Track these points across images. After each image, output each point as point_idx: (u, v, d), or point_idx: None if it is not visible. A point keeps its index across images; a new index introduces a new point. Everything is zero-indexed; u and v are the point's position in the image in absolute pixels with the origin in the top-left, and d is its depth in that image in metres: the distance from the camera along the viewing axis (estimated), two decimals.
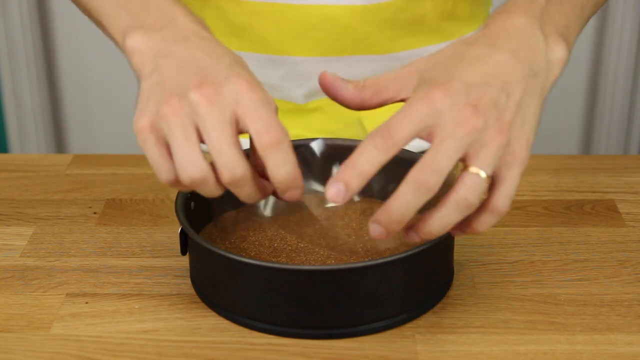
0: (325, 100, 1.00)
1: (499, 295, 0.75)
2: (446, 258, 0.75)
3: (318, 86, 0.98)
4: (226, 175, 0.62)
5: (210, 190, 0.64)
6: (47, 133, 2.06)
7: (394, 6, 0.94)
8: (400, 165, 0.82)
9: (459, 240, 0.80)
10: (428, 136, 0.63)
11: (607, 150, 2.06)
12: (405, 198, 0.62)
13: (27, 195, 0.91)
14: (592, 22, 1.96)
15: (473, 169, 0.62)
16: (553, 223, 0.85)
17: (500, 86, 0.64)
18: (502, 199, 0.64)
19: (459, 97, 0.63)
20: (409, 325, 0.71)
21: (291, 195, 0.65)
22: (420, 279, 0.72)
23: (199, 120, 0.62)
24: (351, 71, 0.98)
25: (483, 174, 0.62)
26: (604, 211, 0.87)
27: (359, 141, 0.84)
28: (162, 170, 0.64)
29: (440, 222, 0.64)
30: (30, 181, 0.94)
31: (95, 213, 0.88)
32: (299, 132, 1.01)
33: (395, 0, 0.94)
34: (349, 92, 0.68)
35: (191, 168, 0.62)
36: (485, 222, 0.65)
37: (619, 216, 0.87)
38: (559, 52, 0.69)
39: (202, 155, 0.63)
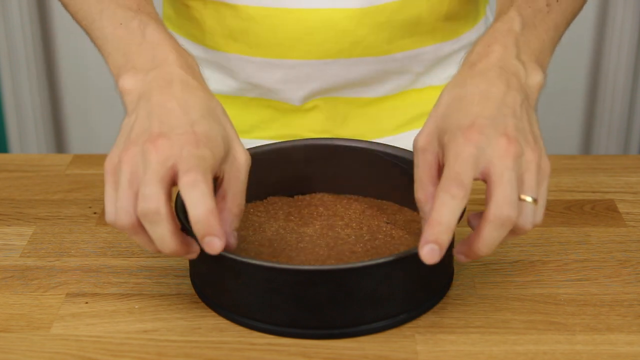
0: (322, 99, 1.00)
1: (499, 295, 0.75)
2: (446, 258, 0.75)
3: (315, 88, 0.99)
4: (140, 205, 0.66)
5: (141, 241, 0.68)
6: (47, 133, 2.06)
7: (389, 8, 0.94)
8: (393, 165, 0.83)
9: (458, 240, 0.80)
10: (482, 175, 0.67)
11: (607, 150, 2.05)
12: (492, 236, 0.66)
13: (27, 195, 0.91)
14: (592, 22, 1.96)
15: (522, 196, 0.67)
16: (553, 223, 0.85)
17: (512, 113, 0.69)
18: (540, 215, 0.69)
19: (490, 131, 0.67)
20: (409, 325, 0.72)
21: (210, 244, 0.66)
22: (420, 279, 0.72)
23: (144, 164, 0.66)
24: (349, 74, 0.98)
25: (529, 199, 0.67)
26: (603, 211, 0.87)
27: (358, 141, 0.84)
28: (106, 210, 0.69)
29: (495, 246, 0.68)
30: (30, 181, 0.94)
31: (95, 213, 0.88)
32: (295, 132, 1.02)
33: (391, 2, 0.94)
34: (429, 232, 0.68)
35: (123, 213, 0.67)
36: (521, 235, 0.70)
37: (619, 216, 0.87)
38: (536, 77, 0.74)
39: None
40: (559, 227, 0.85)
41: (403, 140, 1.02)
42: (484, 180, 0.67)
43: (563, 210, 0.88)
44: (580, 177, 0.94)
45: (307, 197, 0.85)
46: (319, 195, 0.85)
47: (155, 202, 0.65)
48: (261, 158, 0.81)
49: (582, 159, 0.98)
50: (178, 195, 0.75)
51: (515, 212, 0.66)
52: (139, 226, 0.67)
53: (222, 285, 0.72)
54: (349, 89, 1.00)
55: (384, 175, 0.83)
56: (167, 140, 0.67)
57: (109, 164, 0.69)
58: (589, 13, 1.95)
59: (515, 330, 0.71)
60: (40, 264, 0.80)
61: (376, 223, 0.81)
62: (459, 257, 0.70)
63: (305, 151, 0.84)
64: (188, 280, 0.77)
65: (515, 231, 0.68)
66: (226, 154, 0.70)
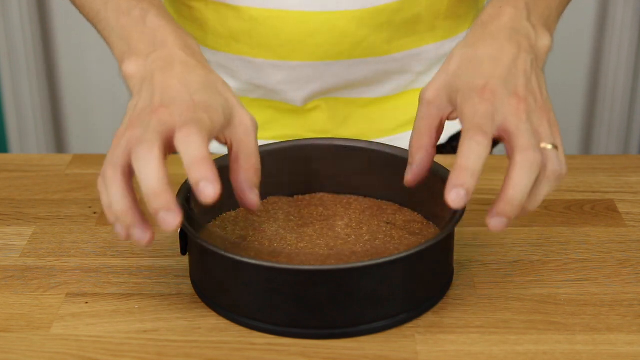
0: (323, 100, 1.00)
1: (499, 295, 0.75)
2: (446, 258, 0.75)
3: (317, 89, 0.99)
4: (135, 147, 0.66)
5: (115, 195, 0.67)
6: (47, 133, 2.06)
7: (389, 8, 0.94)
8: (393, 165, 0.83)
9: (459, 240, 0.80)
10: (499, 132, 0.69)
11: (607, 150, 2.05)
12: (523, 181, 0.67)
13: (27, 195, 0.91)
14: (592, 21, 1.96)
15: (543, 145, 0.69)
16: (553, 223, 0.85)
17: (522, 74, 0.71)
18: (564, 161, 0.70)
19: (502, 91, 0.70)
20: (409, 325, 0.72)
21: (203, 190, 0.65)
22: (420, 279, 0.72)
23: (144, 129, 0.67)
24: (350, 74, 0.98)
25: (550, 146, 0.69)
26: (603, 211, 0.87)
27: (358, 141, 0.84)
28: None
29: (538, 196, 0.69)
30: (30, 181, 0.94)
31: (95, 213, 0.88)
32: (296, 132, 1.02)
33: (391, 2, 0.94)
34: (423, 159, 0.73)
35: (111, 164, 0.67)
36: (551, 189, 0.70)
37: (619, 216, 0.87)
38: (545, 39, 0.76)
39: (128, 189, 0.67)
40: (559, 227, 0.85)
41: (403, 140, 1.02)
42: (500, 137, 0.69)
43: (563, 210, 0.88)
44: (580, 177, 0.94)
45: (307, 197, 0.85)
46: (319, 195, 0.85)
47: (150, 142, 0.66)
48: (261, 158, 0.81)
49: (582, 159, 0.98)
50: (179, 193, 0.76)
51: (540, 154, 0.67)
52: (122, 175, 0.67)
53: (222, 285, 0.72)
54: (350, 90, 1.00)
55: (384, 175, 0.83)
56: (167, 109, 0.68)
57: (115, 139, 0.69)
58: (589, 13, 1.95)
59: (515, 330, 0.71)
60: (40, 264, 0.80)
61: (376, 223, 0.81)
62: (492, 222, 0.68)
63: (305, 151, 0.84)
64: (188, 280, 0.77)
65: (550, 177, 0.68)
66: (228, 121, 0.71)
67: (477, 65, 0.72)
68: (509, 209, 0.67)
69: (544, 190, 0.69)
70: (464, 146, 0.67)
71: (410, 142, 0.74)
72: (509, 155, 0.68)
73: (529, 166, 0.67)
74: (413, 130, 0.74)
